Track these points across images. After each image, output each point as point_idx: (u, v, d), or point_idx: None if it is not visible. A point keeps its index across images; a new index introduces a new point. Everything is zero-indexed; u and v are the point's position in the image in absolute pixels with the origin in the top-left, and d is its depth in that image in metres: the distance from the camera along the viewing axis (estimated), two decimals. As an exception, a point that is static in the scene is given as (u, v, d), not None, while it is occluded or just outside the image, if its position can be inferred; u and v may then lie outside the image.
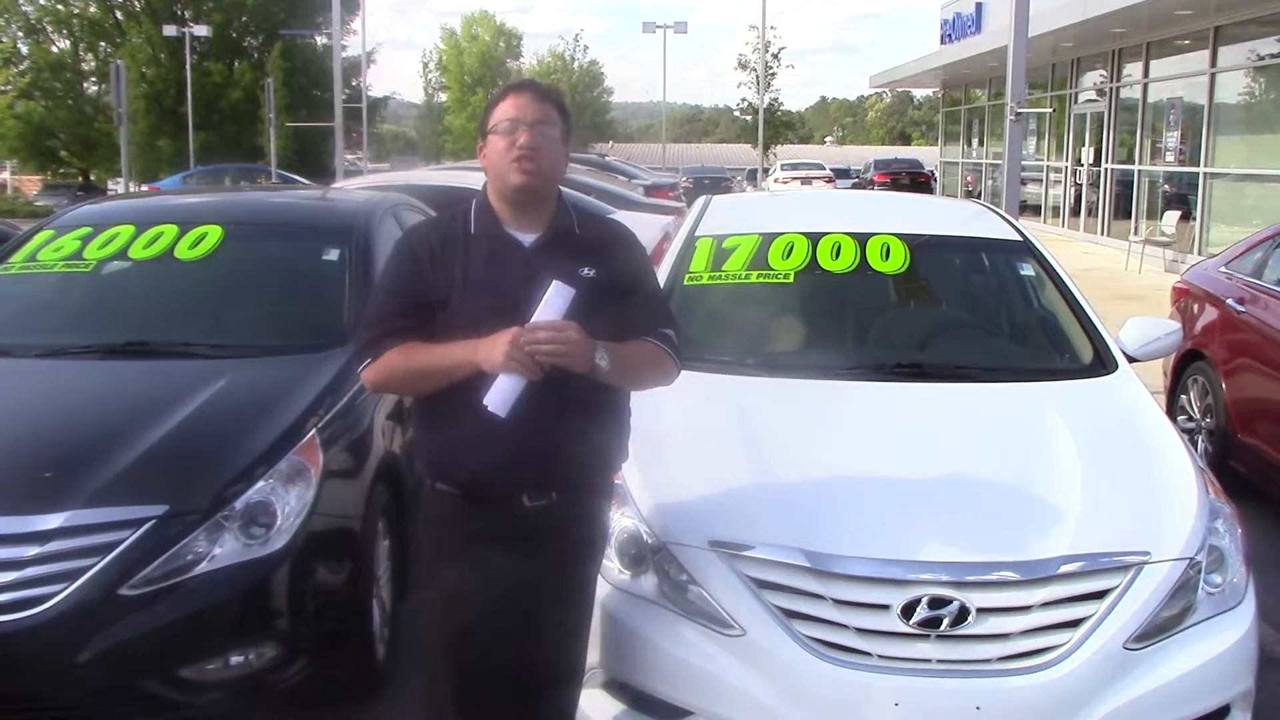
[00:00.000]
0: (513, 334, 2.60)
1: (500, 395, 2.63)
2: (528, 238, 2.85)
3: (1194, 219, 18.10)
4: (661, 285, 4.77)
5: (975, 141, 33.31)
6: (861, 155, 64.98)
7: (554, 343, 2.60)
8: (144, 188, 33.83)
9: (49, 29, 48.82)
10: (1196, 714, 3.25)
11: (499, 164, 2.81)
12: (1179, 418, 7.17)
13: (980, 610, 3.12)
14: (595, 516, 3.01)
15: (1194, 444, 6.65)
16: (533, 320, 2.64)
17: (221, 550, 3.61)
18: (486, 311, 2.72)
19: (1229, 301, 6.87)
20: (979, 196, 29.25)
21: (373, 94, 52.30)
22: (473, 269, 2.81)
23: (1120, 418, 4.10)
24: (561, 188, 2.99)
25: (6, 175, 52.28)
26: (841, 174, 45.20)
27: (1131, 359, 4.49)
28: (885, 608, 3.13)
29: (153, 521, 3.55)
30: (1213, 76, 18.04)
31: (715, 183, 36.90)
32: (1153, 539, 3.32)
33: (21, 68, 47.38)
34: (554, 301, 2.65)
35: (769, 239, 4.89)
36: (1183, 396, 7.29)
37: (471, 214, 2.89)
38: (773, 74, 50.93)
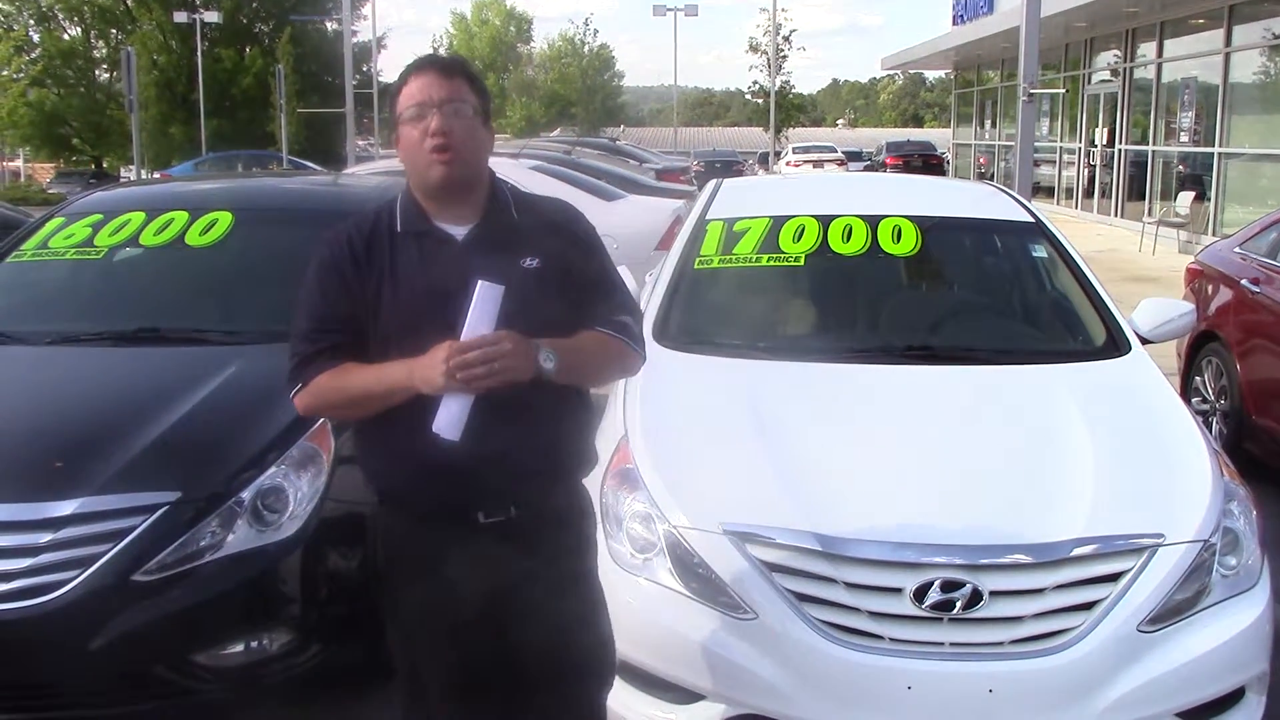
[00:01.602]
0: (447, 350, 2.33)
1: (449, 419, 2.37)
2: (459, 230, 2.58)
3: (1208, 200, 18.02)
4: (671, 269, 4.78)
5: (988, 123, 33.19)
6: (873, 138, 64.77)
7: (486, 360, 2.32)
8: (156, 175, 33.91)
9: (60, 17, 48.89)
10: (1211, 697, 3.24)
11: (414, 156, 2.53)
12: (1193, 399, 7.14)
13: (993, 593, 3.11)
14: (569, 519, 2.72)
15: (1208, 426, 6.63)
16: (465, 329, 2.36)
17: (234, 536, 3.61)
18: (422, 316, 2.47)
19: (1243, 282, 6.83)
20: (992, 178, 29.15)
21: (384, 79, 52.11)
22: (402, 271, 2.54)
23: (1134, 400, 4.08)
24: (493, 169, 2.71)
25: (19, 163, 52.45)
26: (853, 157, 45.03)
27: (1145, 340, 4.47)
28: (897, 591, 3.12)
29: (165, 508, 3.55)
30: (1227, 56, 17.92)
31: (727, 166, 36.78)
32: (1167, 521, 3.31)
33: (33, 55, 47.48)
34: (483, 305, 2.37)
35: (780, 222, 4.87)
36: (1197, 378, 7.25)
37: (397, 210, 2.62)
38: (784, 57, 50.74)
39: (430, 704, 2.72)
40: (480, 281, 2.39)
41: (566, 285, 2.60)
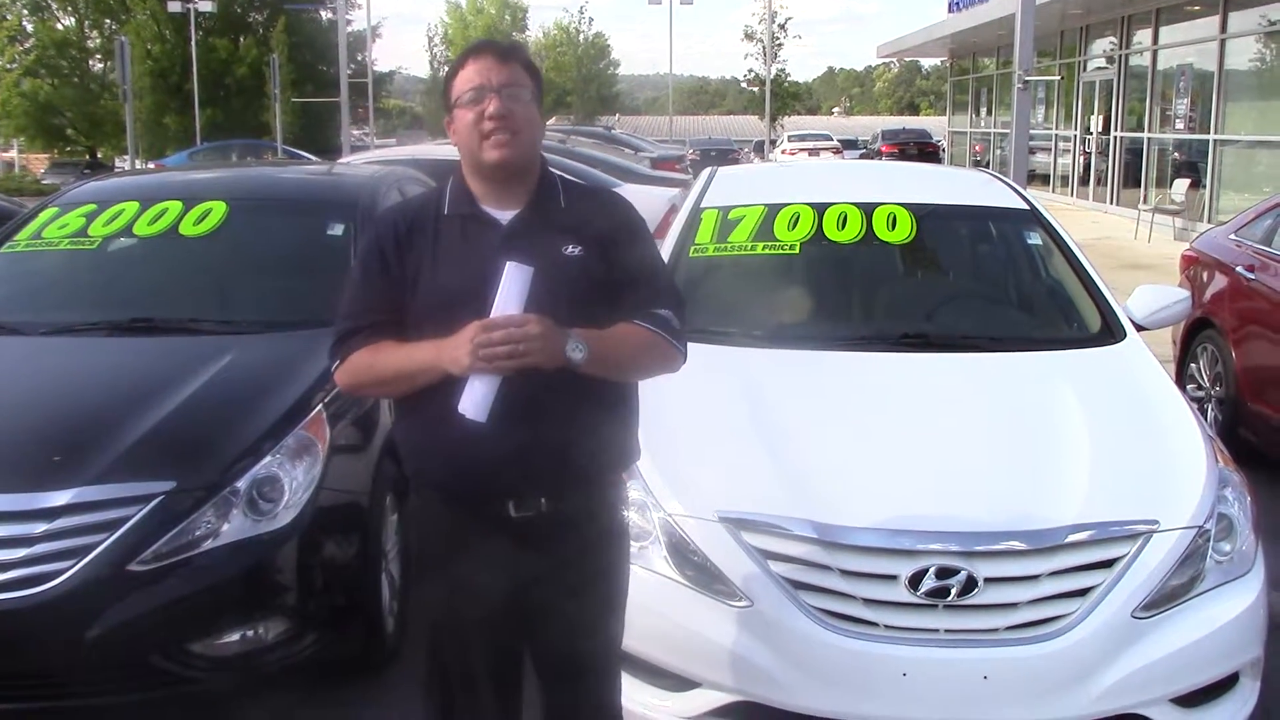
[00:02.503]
0: (474, 330, 2.31)
1: (474, 399, 2.35)
2: (505, 215, 2.57)
3: (1204, 187, 18.02)
4: (666, 258, 4.77)
5: (983, 111, 33.15)
6: (869, 126, 64.71)
7: (510, 341, 2.30)
8: (150, 165, 33.85)
9: (54, 6, 48.75)
10: (1205, 682, 3.25)
11: (470, 139, 2.52)
12: (1188, 386, 7.14)
13: (988, 580, 3.11)
14: (601, 516, 2.68)
15: (1203, 412, 6.65)
16: (493, 309, 2.35)
17: (229, 526, 3.62)
18: (458, 297, 2.46)
19: (1238, 269, 6.84)
20: (987, 166, 29.13)
21: (378, 69, 52.13)
22: (443, 252, 2.55)
23: (1129, 386, 4.09)
24: (545, 156, 2.71)
25: (13, 154, 52.31)
26: (849, 145, 45.01)
27: (1140, 327, 4.47)
28: (892, 578, 3.13)
29: (160, 497, 3.55)
30: (1223, 42, 17.91)
31: (722, 155, 36.67)
32: (1161, 507, 3.31)
33: (27, 46, 47.35)
34: (511, 286, 2.36)
35: (774, 210, 4.87)
36: (1192, 365, 7.26)
37: (447, 193, 2.62)
38: (779, 45, 50.69)
39: (453, 690, 2.73)
40: (509, 263, 2.38)
41: (609, 276, 2.56)
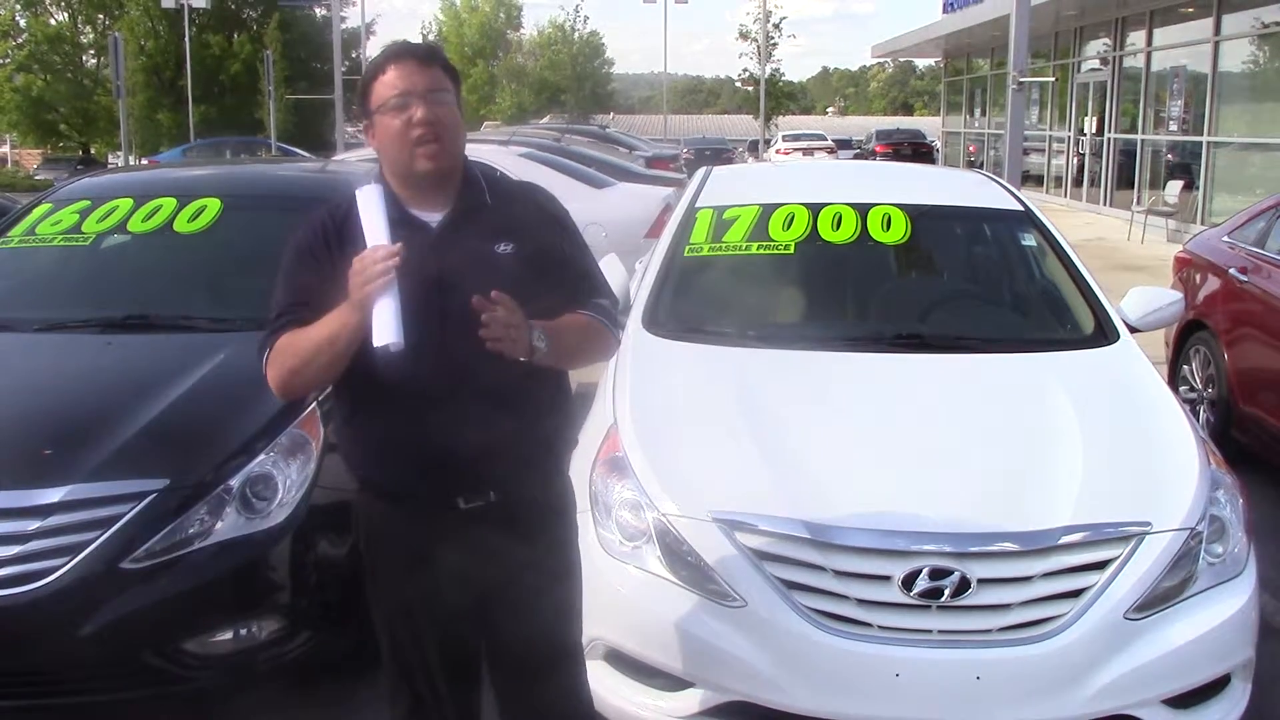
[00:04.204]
0: (355, 264, 2.36)
1: (383, 326, 2.35)
2: (433, 217, 2.57)
3: (1197, 188, 18.04)
4: (661, 257, 4.78)
5: (978, 111, 33.17)
6: (863, 126, 64.72)
7: (506, 323, 2.33)
8: (144, 161, 33.77)
9: (47, 2, 48.59)
10: (1197, 683, 3.26)
11: (396, 147, 2.51)
12: (1181, 388, 7.16)
13: (981, 581, 3.12)
14: (551, 503, 2.74)
15: (1196, 414, 6.66)
16: (366, 231, 2.42)
17: (223, 524, 3.61)
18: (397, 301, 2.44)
19: (1231, 271, 6.85)
20: (981, 166, 29.15)
21: (373, 66, 51.96)
22: None
23: (1122, 388, 4.10)
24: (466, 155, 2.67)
25: (6, 149, 52.18)
26: (843, 144, 44.98)
27: (1133, 329, 4.48)
28: (886, 579, 3.13)
29: (154, 495, 3.55)
30: (1216, 44, 17.93)
31: (716, 154, 36.72)
32: (1154, 509, 3.32)
33: (20, 40, 47.19)
34: (369, 210, 2.44)
35: (769, 210, 4.87)
36: (1185, 367, 7.27)
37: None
38: (774, 44, 50.61)
39: (417, 686, 2.75)
40: (356, 190, 2.46)
41: (543, 269, 2.59)
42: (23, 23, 47.67)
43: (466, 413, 2.47)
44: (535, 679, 2.77)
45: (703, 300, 4.76)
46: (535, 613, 2.70)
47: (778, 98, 51.71)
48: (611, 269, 4.43)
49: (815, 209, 4.83)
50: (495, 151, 10.92)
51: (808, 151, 37.85)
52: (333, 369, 2.51)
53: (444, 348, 2.46)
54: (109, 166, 35.98)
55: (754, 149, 45.74)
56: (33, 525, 3.47)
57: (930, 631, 3.12)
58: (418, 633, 2.70)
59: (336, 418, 2.74)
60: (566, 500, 2.80)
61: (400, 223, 2.53)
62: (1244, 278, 6.71)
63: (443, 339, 2.46)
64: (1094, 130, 23.43)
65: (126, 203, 5.11)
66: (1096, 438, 3.64)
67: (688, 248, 4.84)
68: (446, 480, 2.57)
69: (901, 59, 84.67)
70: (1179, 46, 19.79)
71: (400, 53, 2.56)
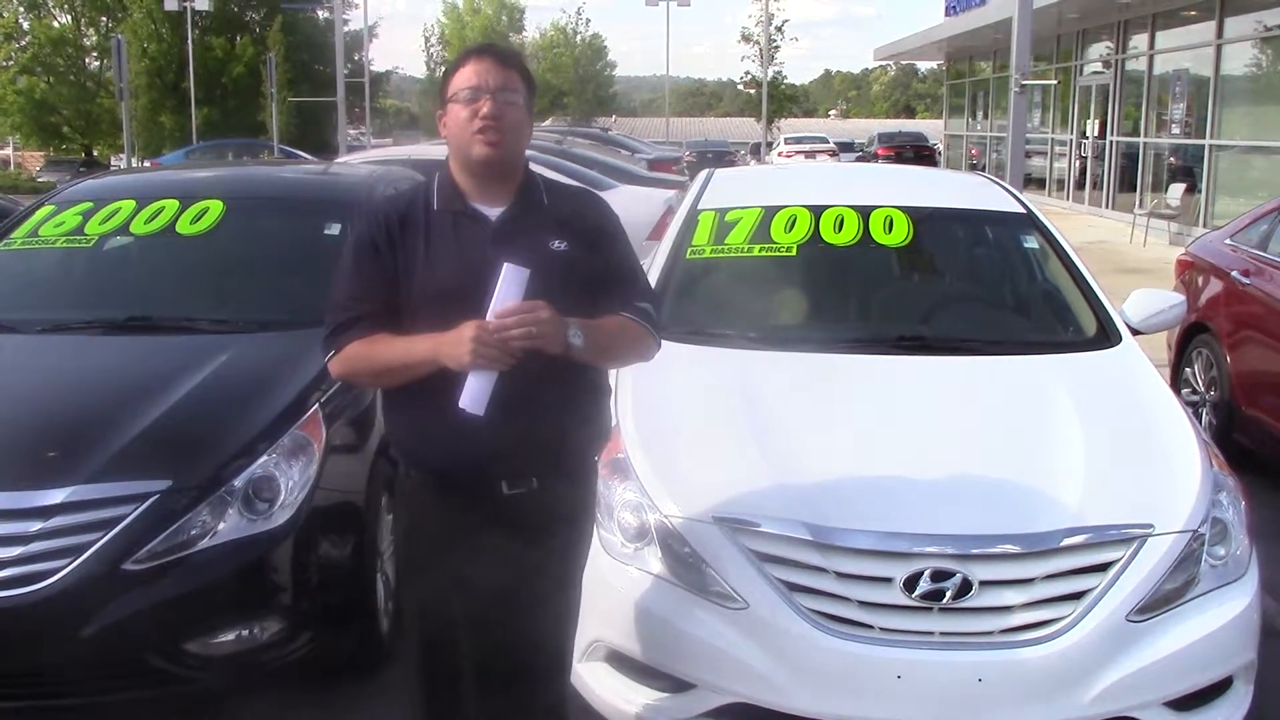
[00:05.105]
0: (475, 329, 2.45)
1: (474, 394, 2.48)
2: (493, 211, 2.70)
3: (1199, 191, 18.03)
4: (663, 259, 4.79)
5: (980, 114, 33.18)
6: (866, 128, 64.71)
7: (524, 325, 2.45)
8: (146, 163, 33.81)
9: (50, 4, 48.64)
10: (1199, 686, 3.26)
11: (461, 135, 2.65)
12: (1183, 390, 7.15)
13: (983, 583, 3.12)
14: (580, 499, 2.85)
15: (1198, 417, 6.65)
16: (490, 309, 2.48)
17: (225, 525, 3.61)
18: (452, 291, 2.59)
19: (1234, 274, 6.85)
20: (983, 169, 29.16)
21: (375, 68, 52.10)
22: (435, 246, 2.67)
23: (1124, 390, 4.09)
24: (529, 159, 2.85)
25: (9, 151, 52.23)
26: (845, 147, 44.97)
27: (1136, 331, 4.48)
28: (888, 581, 3.13)
29: (156, 496, 3.55)
30: (1219, 48, 17.93)
31: (719, 157, 36.59)
32: (1156, 511, 3.32)
33: (23, 43, 47.26)
34: (508, 288, 2.49)
35: (771, 212, 4.87)
36: (1187, 369, 7.27)
37: (434, 189, 2.75)
38: (776, 47, 50.75)
39: (443, 682, 2.81)
40: (505, 264, 2.50)
41: (591, 270, 2.72)
42: (26, 25, 47.75)
43: (516, 398, 2.56)
44: (531, 683, 2.81)
45: (705, 302, 4.76)
46: (546, 612, 2.78)
47: (780, 100, 51.80)
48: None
49: (817, 211, 4.83)
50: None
51: (809, 154, 37.82)
52: (400, 383, 2.66)
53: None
54: (112, 169, 36.00)
55: (756, 152, 45.73)
56: (35, 526, 3.47)
57: (932, 633, 3.11)
58: (451, 624, 2.76)
59: (384, 398, 2.86)
60: (593, 498, 2.93)
61: (460, 213, 2.69)
62: (1246, 280, 6.70)
63: None
64: (1096, 133, 23.43)
65: (129, 204, 5.12)
66: (1099, 440, 3.64)
67: (690, 250, 4.84)
68: (493, 464, 2.67)
69: (904, 62, 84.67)
70: (1181, 50, 19.79)
71: (482, 50, 2.73)
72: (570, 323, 2.53)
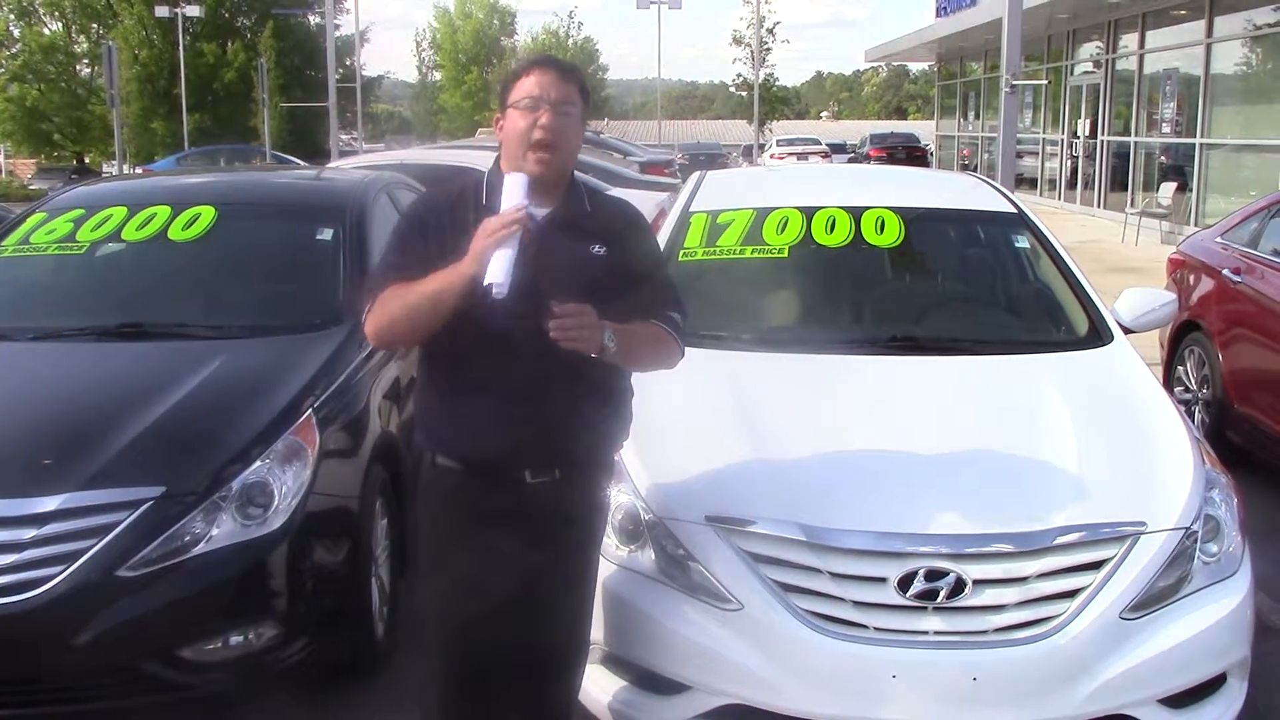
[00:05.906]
0: (484, 226, 2.59)
1: (496, 268, 2.56)
2: (539, 211, 2.79)
3: (1190, 190, 18.08)
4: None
5: (971, 115, 33.23)
6: (857, 130, 64.83)
7: (573, 326, 2.57)
8: (138, 170, 33.78)
9: (41, 11, 48.62)
10: (1193, 682, 3.26)
11: (516, 142, 2.76)
12: (1175, 389, 7.17)
13: (977, 582, 3.12)
14: (597, 495, 2.99)
15: (1190, 415, 6.67)
16: (501, 209, 2.64)
17: (219, 531, 3.61)
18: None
19: (1225, 272, 6.86)
20: (975, 170, 29.19)
21: (367, 73, 52.14)
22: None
23: (1116, 389, 4.10)
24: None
25: (0, 159, 52.16)
26: (837, 149, 45.05)
27: (1127, 330, 4.49)
28: (882, 580, 3.13)
29: (150, 503, 3.54)
30: (1209, 46, 17.98)
31: (711, 159, 36.69)
32: (1149, 509, 3.32)
33: (14, 51, 47.22)
34: (513, 192, 2.66)
35: (763, 214, 4.88)
36: (1179, 367, 7.29)
37: (484, 187, 2.85)
38: (768, 49, 50.84)
39: (465, 684, 2.88)
40: (507, 174, 2.71)
41: (627, 276, 2.84)
42: (16, 33, 47.71)
43: (548, 390, 2.72)
44: (544, 682, 2.95)
45: (697, 304, 4.73)
46: (564, 607, 2.92)
47: (772, 103, 51.89)
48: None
49: (809, 212, 4.83)
50: (490, 158, 10.90)
51: (801, 156, 37.87)
52: (429, 327, 2.71)
53: (535, 328, 2.60)
54: (103, 175, 35.96)
55: (748, 154, 45.77)
56: (29, 533, 3.46)
57: (926, 633, 3.12)
58: (474, 620, 2.83)
59: (419, 385, 2.96)
60: (607, 486, 3.06)
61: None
62: (1237, 278, 6.72)
63: (535, 321, 2.60)
64: (1087, 133, 23.48)
65: (120, 211, 5.12)
66: (1091, 438, 3.64)
67: (682, 252, 4.84)
68: (520, 451, 2.78)
69: (895, 63, 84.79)
70: (1171, 49, 19.84)
71: (546, 62, 2.84)
72: (606, 325, 2.64)
